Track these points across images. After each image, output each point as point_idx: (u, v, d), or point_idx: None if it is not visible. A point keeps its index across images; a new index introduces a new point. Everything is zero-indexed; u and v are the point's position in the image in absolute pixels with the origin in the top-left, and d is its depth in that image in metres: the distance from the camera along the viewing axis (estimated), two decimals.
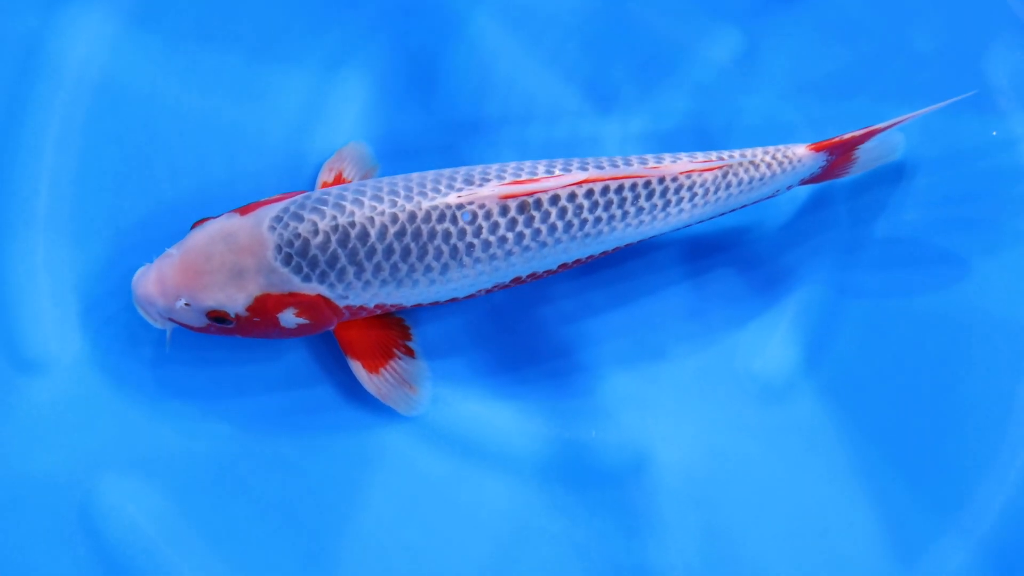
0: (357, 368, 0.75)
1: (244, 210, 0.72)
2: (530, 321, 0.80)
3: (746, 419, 0.80)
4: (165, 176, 0.81)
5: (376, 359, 0.76)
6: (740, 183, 0.77)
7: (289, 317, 0.71)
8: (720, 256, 0.83)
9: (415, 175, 0.74)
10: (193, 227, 0.72)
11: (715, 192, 0.76)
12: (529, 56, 0.87)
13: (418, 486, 0.77)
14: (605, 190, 0.73)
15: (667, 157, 0.76)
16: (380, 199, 0.71)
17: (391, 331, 0.76)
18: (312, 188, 0.81)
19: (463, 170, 0.73)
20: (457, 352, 0.79)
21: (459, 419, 0.78)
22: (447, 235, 0.71)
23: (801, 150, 0.79)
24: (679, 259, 0.82)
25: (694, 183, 0.75)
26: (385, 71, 0.85)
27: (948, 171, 0.85)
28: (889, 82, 0.87)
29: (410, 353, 0.77)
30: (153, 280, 0.70)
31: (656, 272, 0.82)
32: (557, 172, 0.73)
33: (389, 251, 0.70)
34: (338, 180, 0.80)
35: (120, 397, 0.76)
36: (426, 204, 0.70)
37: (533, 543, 0.76)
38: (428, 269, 0.71)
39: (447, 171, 0.73)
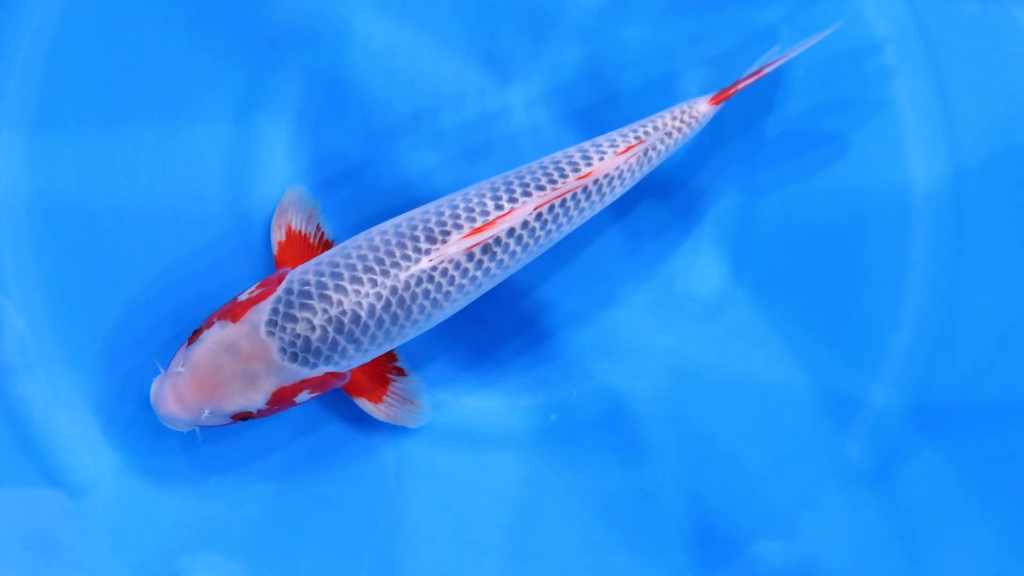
0: (363, 403, 0.83)
1: (232, 315, 0.76)
2: (491, 306, 0.88)
3: (695, 337, 0.91)
4: (125, 272, 0.84)
5: (376, 390, 0.84)
6: (659, 154, 0.84)
7: (303, 396, 0.78)
8: (640, 195, 0.91)
9: (375, 235, 0.79)
10: (190, 340, 0.77)
11: (639, 169, 0.84)
12: (422, 45, 0.89)
13: (442, 482, 0.87)
14: (551, 208, 0.79)
15: (590, 149, 0.82)
16: (359, 279, 0.76)
17: (379, 360, 0.84)
18: (267, 242, 0.85)
19: (419, 222, 0.78)
20: (437, 356, 0.88)
21: (459, 414, 0.88)
22: (427, 293, 0.77)
23: (704, 106, 0.86)
24: (606, 209, 0.90)
25: (621, 171, 0.82)
26: (294, 104, 0.87)
27: (815, 59, 0.93)
28: None
29: (401, 372, 0.85)
30: (173, 400, 0.76)
31: (588, 226, 0.90)
32: (504, 202, 0.79)
33: (380, 323, 0.77)
34: (291, 235, 0.84)
35: (168, 489, 0.84)
36: (403, 275, 0.76)
37: (546, 497, 0.88)
38: (415, 322, 0.78)
39: (403, 224, 0.79)
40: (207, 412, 0.75)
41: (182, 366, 0.75)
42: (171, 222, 0.85)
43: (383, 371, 0.84)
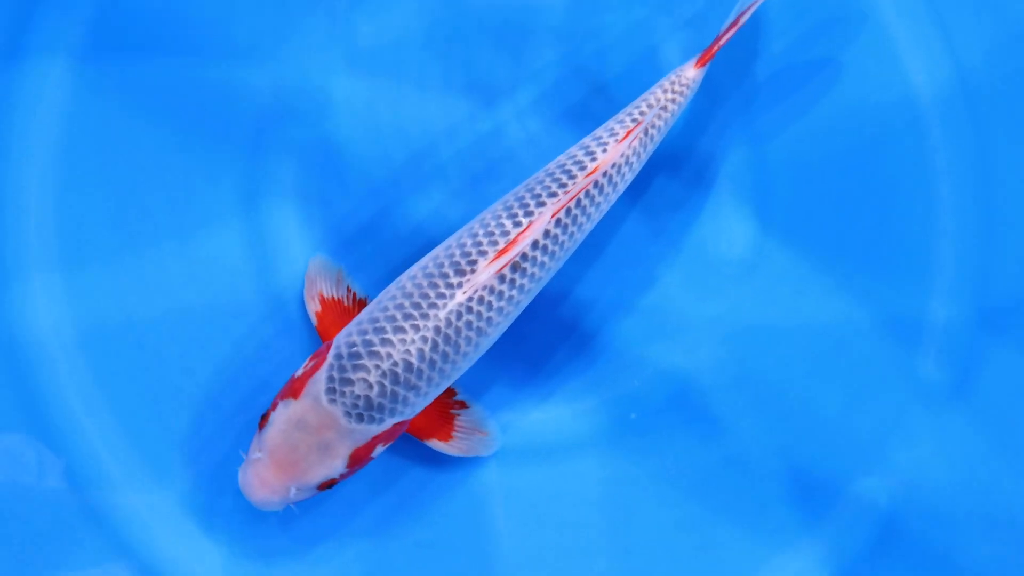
0: (434, 444, 0.85)
1: (292, 392, 0.78)
2: (532, 320, 0.89)
3: (739, 297, 0.91)
4: (182, 378, 0.86)
5: (443, 428, 0.85)
6: (659, 130, 0.85)
7: (378, 450, 0.80)
8: (651, 174, 0.92)
9: (406, 282, 0.80)
10: (260, 426, 0.79)
11: (644, 150, 0.84)
12: (401, 90, 0.91)
13: (530, 500, 0.88)
14: (568, 211, 0.80)
15: (591, 143, 0.83)
16: (402, 328, 0.78)
17: (439, 398, 0.85)
18: (305, 316, 0.87)
19: (444, 259, 0.80)
20: (493, 381, 0.89)
21: (528, 431, 0.89)
22: (469, 324, 0.79)
23: (691, 72, 0.86)
24: (622, 196, 0.90)
25: (627, 157, 0.83)
26: (294, 180, 0.89)
27: None
28: None
29: (463, 405, 0.87)
30: (259, 485, 0.77)
31: (608, 218, 0.90)
32: (521, 218, 0.80)
33: (432, 364, 0.78)
34: (325, 304, 0.86)
35: (277, 568, 0.86)
36: (443, 314, 0.78)
37: (635, 489, 0.89)
38: (465, 355, 0.80)
39: (430, 265, 0.80)
40: (294, 489, 0.77)
41: (259, 451, 0.77)
42: (211, 320, 0.87)
43: (446, 408, 0.86)
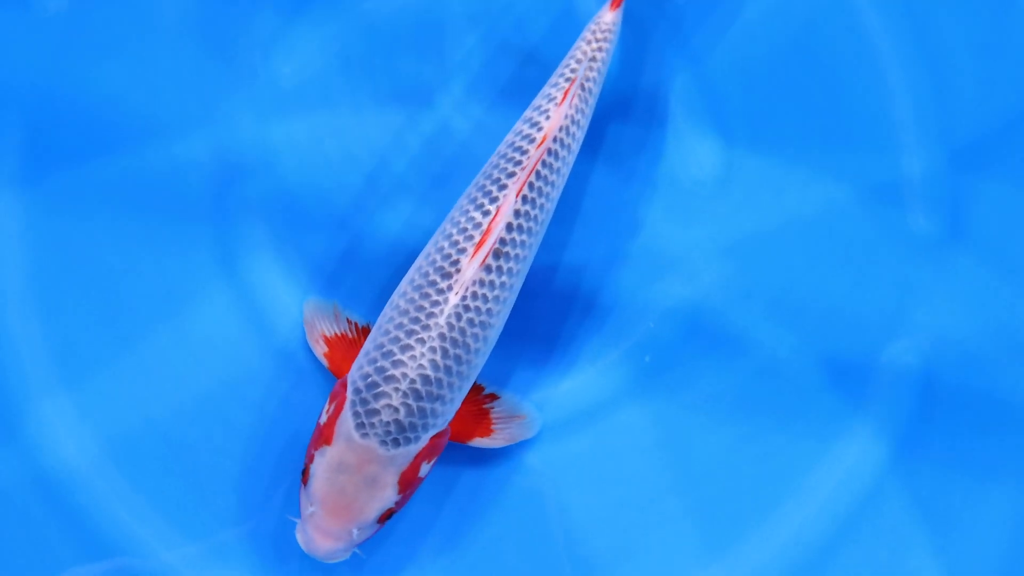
0: (478, 443, 0.85)
1: (324, 439, 0.79)
2: (530, 298, 0.89)
3: (723, 213, 0.92)
4: (215, 459, 0.86)
5: (481, 425, 0.86)
6: (595, 81, 0.85)
7: (425, 469, 0.80)
8: (602, 124, 0.92)
9: (398, 300, 0.80)
10: (304, 482, 0.79)
11: (586, 104, 0.85)
12: (338, 117, 0.91)
13: (585, 467, 0.88)
14: (530, 186, 0.81)
15: (533, 114, 0.83)
16: (409, 346, 0.78)
17: (468, 398, 0.85)
18: (315, 361, 0.87)
19: (427, 267, 0.80)
20: (513, 366, 0.89)
21: (563, 401, 0.89)
22: (471, 322, 0.79)
23: (608, 16, 0.87)
24: (581, 154, 0.90)
25: (571, 116, 0.83)
26: (264, 234, 0.89)
27: None
28: None
29: (494, 397, 0.87)
30: (320, 538, 0.78)
31: (573, 179, 0.90)
32: (488, 206, 0.80)
33: (448, 370, 0.78)
34: (330, 343, 0.86)
35: None
36: (443, 320, 0.78)
37: (680, 423, 0.89)
38: (477, 351, 0.80)
39: (416, 277, 0.80)
40: (355, 531, 0.78)
41: (311, 506, 0.77)
42: (226, 394, 0.87)
43: (478, 405, 0.86)
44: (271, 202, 0.90)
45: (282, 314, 0.89)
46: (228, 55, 0.92)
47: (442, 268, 0.79)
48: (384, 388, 0.77)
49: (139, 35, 0.92)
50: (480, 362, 0.81)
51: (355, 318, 0.87)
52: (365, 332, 0.86)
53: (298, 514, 0.80)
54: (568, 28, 0.93)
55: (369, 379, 0.78)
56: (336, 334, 0.86)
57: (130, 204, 0.89)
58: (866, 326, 0.91)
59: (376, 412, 0.77)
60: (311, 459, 0.78)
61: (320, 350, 0.85)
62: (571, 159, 0.84)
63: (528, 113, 0.84)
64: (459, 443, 0.84)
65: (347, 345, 0.85)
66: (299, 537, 0.78)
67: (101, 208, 0.89)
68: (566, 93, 0.83)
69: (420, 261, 0.81)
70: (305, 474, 0.79)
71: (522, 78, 0.92)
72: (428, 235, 0.85)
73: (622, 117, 0.93)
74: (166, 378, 0.87)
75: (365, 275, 0.89)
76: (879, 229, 0.92)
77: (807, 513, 0.88)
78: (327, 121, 0.91)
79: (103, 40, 0.91)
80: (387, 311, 0.81)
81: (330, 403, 0.80)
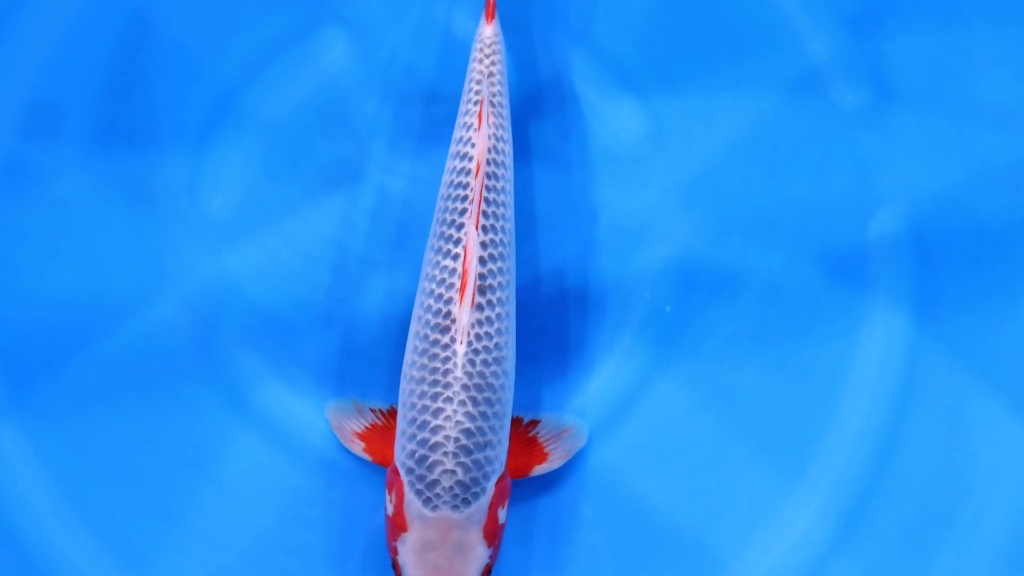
0: (539, 470, 0.86)
1: (399, 528, 0.79)
2: (530, 316, 0.90)
3: (668, 163, 0.94)
4: None
5: (536, 453, 0.86)
6: (501, 93, 0.87)
7: (502, 515, 0.81)
8: (525, 128, 0.93)
9: (409, 371, 0.81)
10: (396, 572, 0.79)
11: (502, 119, 0.86)
12: (282, 223, 0.92)
13: (643, 450, 0.89)
14: (484, 214, 0.82)
15: (458, 147, 0.84)
16: (439, 410, 0.79)
17: (512, 433, 0.86)
18: (359, 460, 0.88)
19: (425, 330, 0.80)
20: (540, 387, 0.90)
21: (602, 397, 0.90)
22: (486, 362, 0.80)
23: (488, 30, 0.89)
24: (517, 164, 0.91)
25: (494, 134, 0.84)
26: (260, 363, 0.90)
27: None
28: None
29: (535, 423, 0.88)
30: None
31: (519, 191, 0.91)
32: (455, 249, 0.81)
33: (484, 415, 0.79)
34: (364, 438, 0.86)
35: None
36: (459, 371, 0.79)
37: (717, 376, 0.90)
38: (502, 386, 0.81)
39: (417, 343, 0.81)
40: None
41: None
42: (286, 522, 0.87)
43: (524, 436, 0.87)
44: (253, 331, 0.90)
45: (307, 429, 0.89)
46: (157, 213, 0.91)
47: (438, 325, 0.80)
48: (434, 457, 0.78)
49: (65, 234, 0.91)
50: (509, 396, 0.82)
51: (377, 404, 0.88)
52: (392, 414, 0.87)
53: None
54: (454, 55, 0.94)
55: (416, 455, 0.78)
56: (366, 427, 0.86)
57: (123, 387, 0.89)
58: (842, 213, 0.92)
59: (436, 482, 0.78)
60: (395, 552, 0.79)
61: (358, 448, 0.86)
62: (510, 174, 0.85)
63: (454, 148, 0.85)
64: (523, 478, 0.85)
65: (381, 433, 0.86)
66: None
67: (97, 403, 0.89)
68: (480, 116, 0.84)
69: (414, 327, 0.82)
70: (396, 568, 0.79)
71: (432, 118, 0.93)
72: (409, 297, 0.86)
73: (538, 115, 0.94)
74: (220, 531, 0.86)
75: (367, 359, 0.90)
76: (815, 119, 0.94)
77: (862, 406, 0.89)
78: (274, 233, 0.92)
79: (32, 251, 0.91)
80: (404, 385, 0.81)
81: (389, 492, 0.80)
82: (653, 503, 0.88)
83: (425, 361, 0.80)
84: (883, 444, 0.89)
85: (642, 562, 0.87)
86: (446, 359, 0.79)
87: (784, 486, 0.88)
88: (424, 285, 0.82)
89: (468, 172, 0.83)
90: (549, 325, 0.91)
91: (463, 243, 0.81)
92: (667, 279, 0.92)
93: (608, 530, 0.87)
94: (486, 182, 0.82)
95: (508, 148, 0.86)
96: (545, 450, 0.86)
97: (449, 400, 0.78)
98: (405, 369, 0.82)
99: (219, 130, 0.93)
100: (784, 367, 0.90)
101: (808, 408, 0.89)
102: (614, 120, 0.94)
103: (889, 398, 0.89)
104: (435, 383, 0.79)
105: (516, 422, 0.87)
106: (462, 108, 0.86)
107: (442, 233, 0.82)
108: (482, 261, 0.80)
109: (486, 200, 0.82)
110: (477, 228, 0.81)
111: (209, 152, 0.93)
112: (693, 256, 0.92)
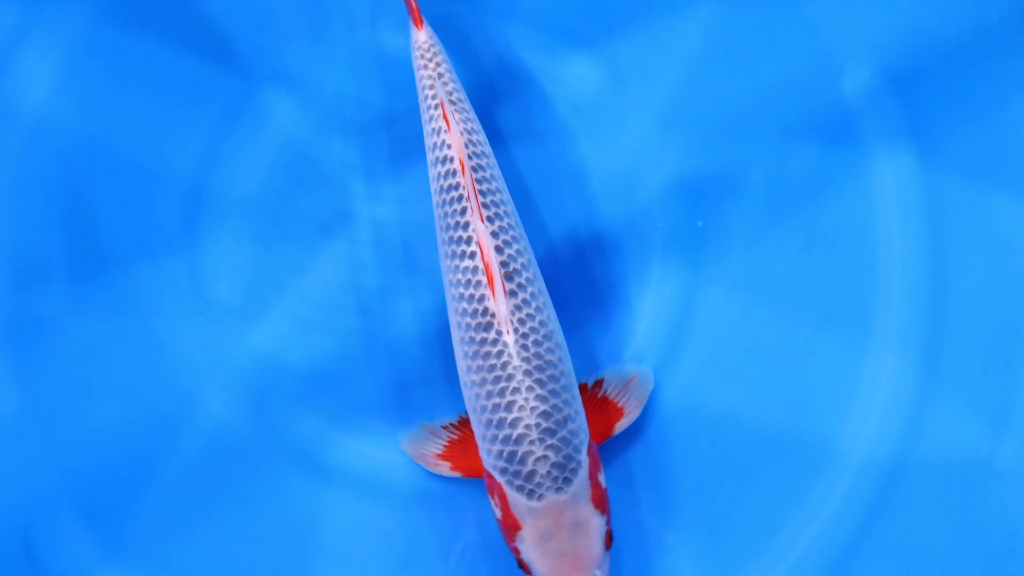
0: (621, 426, 0.86)
1: (513, 527, 0.79)
2: (560, 282, 0.91)
3: (647, 103, 0.94)
4: None
5: (611, 411, 0.86)
6: (457, 90, 0.87)
7: (602, 479, 0.81)
8: (491, 114, 0.94)
9: (466, 376, 0.81)
10: (527, 573, 0.79)
11: (467, 113, 0.86)
12: (286, 281, 0.92)
13: (711, 377, 0.89)
14: (485, 205, 0.82)
15: (437, 152, 0.85)
16: (512, 403, 0.79)
17: (584, 398, 0.86)
18: (451, 481, 0.87)
19: (471, 331, 0.80)
20: (590, 349, 0.90)
21: (652, 342, 0.90)
22: (537, 343, 0.80)
23: (421, 35, 0.89)
24: (495, 147, 0.91)
25: (465, 129, 0.85)
26: (311, 431, 0.89)
27: None
28: None
29: (599, 383, 0.87)
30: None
31: (507, 174, 0.91)
32: (468, 248, 0.81)
33: (554, 392, 0.80)
34: (447, 456, 0.86)
35: None
36: (515, 361, 0.79)
37: (753, 284, 0.91)
38: (560, 359, 0.81)
39: (465, 345, 0.81)
40: (598, 573, 0.78)
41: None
42: (407, 566, 0.87)
43: (595, 399, 0.87)
44: (305, 396, 0.90)
45: (390, 468, 0.88)
46: (172, 319, 0.90)
47: (480, 324, 0.80)
48: (523, 449, 0.78)
49: (94, 370, 0.90)
50: (569, 366, 0.82)
51: (446, 420, 0.88)
52: (464, 423, 0.87)
53: None
54: (396, 71, 0.94)
55: (504, 453, 0.79)
56: (445, 446, 0.86)
57: (202, 499, 0.87)
58: (814, 83, 0.93)
59: (533, 472, 0.78)
60: (517, 552, 0.79)
61: (444, 468, 0.86)
62: (493, 160, 0.86)
63: (432, 155, 0.85)
64: (608, 440, 0.86)
65: (461, 445, 0.86)
66: None
67: (184, 523, 0.86)
68: (445, 117, 0.84)
69: (457, 333, 0.82)
70: (524, 567, 0.79)
71: (398, 137, 0.94)
72: (439, 312, 0.87)
73: (497, 99, 0.94)
74: None
75: (421, 382, 0.89)
76: (756, 7, 0.95)
77: (897, 249, 0.90)
78: (289, 297, 0.91)
79: (67, 397, 0.90)
80: (468, 392, 0.81)
81: (493, 498, 0.80)
82: (738, 416, 0.88)
83: (480, 362, 0.80)
84: (932, 275, 0.89)
85: (746, 479, 0.87)
86: (499, 353, 0.79)
87: (857, 352, 0.89)
88: (452, 292, 0.82)
89: (454, 173, 0.83)
90: (578, 287, 0.91)
91: (475, 240, 0.81)
92: (673, 201, 0.92)
93: (703, 459, 0.87)
94: (474, 175, 0.82)
95: (483, 137, 0.86)
96: (619, 405, 0.86)
97: (516, 391, 0.79)
98: (463, 376, 0.82)
99: (200, 221, 0.93)
100: (812, 240, 0.91)
101: (848, 270, 0.90)
102: (570, 78, 0.94)
103: (920, 232, 0.90)
104: (497, 379, 0.79)
105: (582, 388, 0.87)
106: (425, 116, 0.87)
107: (451, 238, 0.82)
108: (498, 250, 0.81)
109: (481, 192, 0.82)
110: (483, 221, 0.81)
111: (199, 245, 0.93)
112: (689, 172, 0.93)
